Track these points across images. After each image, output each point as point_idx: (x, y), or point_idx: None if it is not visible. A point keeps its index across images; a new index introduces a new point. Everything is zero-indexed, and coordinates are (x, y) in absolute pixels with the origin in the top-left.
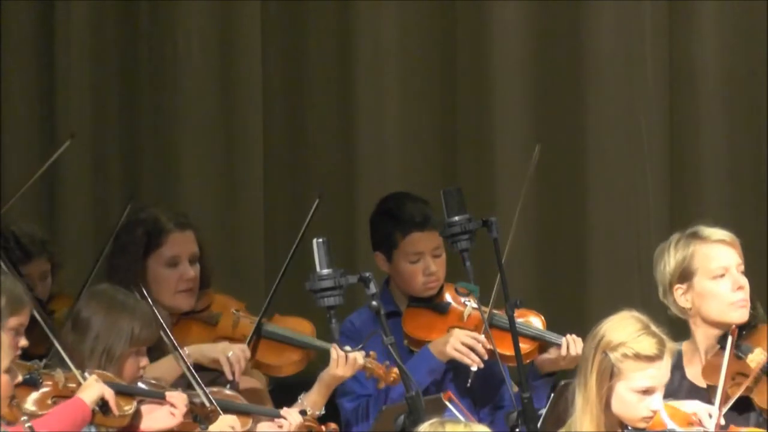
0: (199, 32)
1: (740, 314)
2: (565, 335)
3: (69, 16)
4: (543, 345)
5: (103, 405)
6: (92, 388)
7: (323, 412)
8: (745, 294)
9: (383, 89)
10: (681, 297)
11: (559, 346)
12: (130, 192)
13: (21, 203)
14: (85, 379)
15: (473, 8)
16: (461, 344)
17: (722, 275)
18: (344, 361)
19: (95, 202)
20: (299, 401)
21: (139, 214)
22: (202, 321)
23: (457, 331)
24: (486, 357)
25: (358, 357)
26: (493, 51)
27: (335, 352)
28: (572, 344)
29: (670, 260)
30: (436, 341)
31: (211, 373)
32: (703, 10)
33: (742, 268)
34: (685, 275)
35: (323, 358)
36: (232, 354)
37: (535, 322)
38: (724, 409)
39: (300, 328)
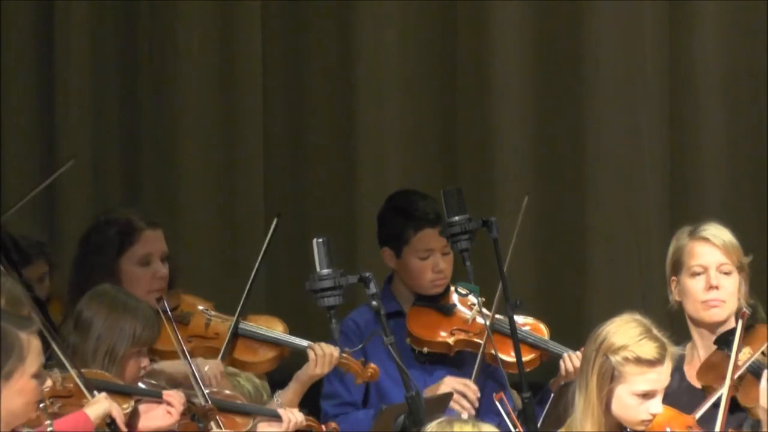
0: (199, 32)
1: (711, 314)
2: (568, 347)
3: (69, 16)
4: (545, 354)
5: (111, 422)
6: (99, 405)
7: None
8: (719, 294)
9: (383, 89)
10: (675, 290)
11: (560, 356)
12: (129, 192)
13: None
14: (83, 380)
15: (473, 8)
16: (453, 391)
17: (699, 273)
18: (323, 361)
19: (95, 202)
20: (275, 399)
21: (109, 215)
22: (174, 321)
23: (448, 379)
24: (476, 405)
25: (334, 352)
26: (493, 51)
27: (313, 353)
28: (575, 360)
29: (669, 250)
30: (428, 389)
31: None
32: (703, 10)
33: (728, 269)
34: (676, 268)
35: (300, 356)
36: (207, 369)
37: (539, 331)
38: (706, 406)
39: (273, 326)
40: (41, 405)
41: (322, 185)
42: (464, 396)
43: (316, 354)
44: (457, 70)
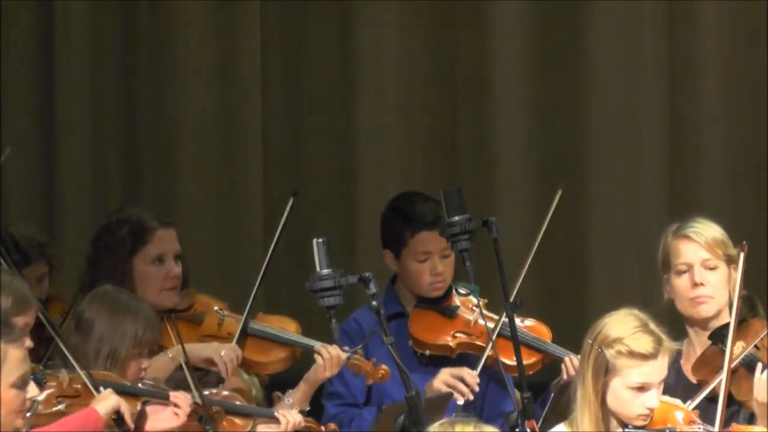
0: (199, 32)
1: (699, 310)
2: (567, 347)
3: (69, 16)
4: (547, 357)
5: (118, 418)
6: (108, 400)
7: (308, 408)
8: (705, 291)
9: (383, 89)
10: (667, 288)
11: (561, 359)
12: (129, 192)
13: (21, 203)
14: (91, 381)
15: (473, 8)
16: (450, 376)
17: (684, 271)
18: (331, 364)
19: (95, 202)
20: (286, 400)
21: (122, 214)
22: (186, 320)
23: (445, 369)
24: (476, 390)
25: (342, 355)
26: (493, 51)
27: (320, 358)
28: (576, 363)
29: (660, 247)
30: (427, 384)
31: (197, 373)
32: (703, 10)
33: (713, 264)
34: (665, 267)
35: (308, 356)
36: (224, 353)
37: (541, 333)
38: (699, 398)
39: (285, 326)
40: (28, 414)
41: (322, 185)
42: (462, 380)
43: (323, 357)
44: (457, 70)
